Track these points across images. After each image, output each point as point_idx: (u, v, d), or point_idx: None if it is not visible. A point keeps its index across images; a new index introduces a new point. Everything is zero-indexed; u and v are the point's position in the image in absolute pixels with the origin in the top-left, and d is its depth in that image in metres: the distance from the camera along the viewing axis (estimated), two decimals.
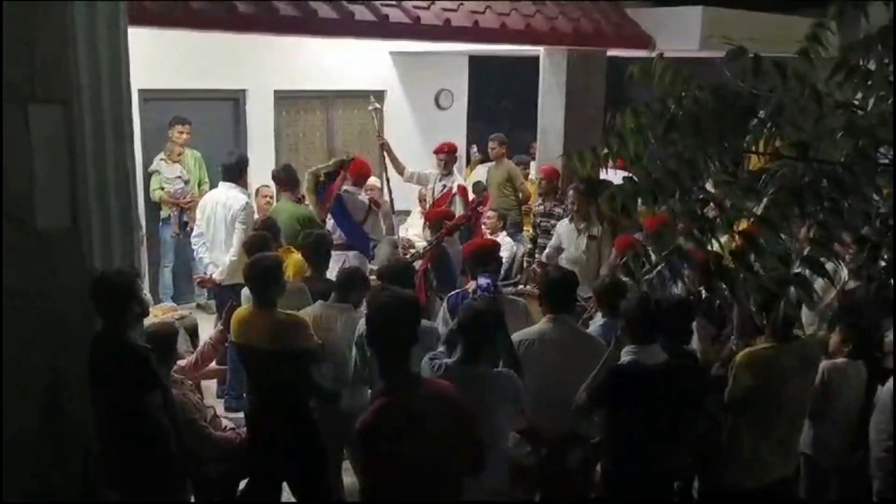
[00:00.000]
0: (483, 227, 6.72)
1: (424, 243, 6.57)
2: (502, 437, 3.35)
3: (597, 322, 4.21)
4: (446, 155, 7.00)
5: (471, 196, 6.90)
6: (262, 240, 4.93)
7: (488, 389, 3.22)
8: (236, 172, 5.93)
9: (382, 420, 2.62)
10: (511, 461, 3.44)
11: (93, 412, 3.40)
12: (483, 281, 4.17)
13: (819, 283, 3.99)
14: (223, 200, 5.76)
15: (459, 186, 6.80)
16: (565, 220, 6.39)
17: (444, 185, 6.96)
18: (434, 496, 2.68)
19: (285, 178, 6.25)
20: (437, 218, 6.06)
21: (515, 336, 3.65)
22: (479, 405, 3.18)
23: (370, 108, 7.03)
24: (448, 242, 5.75)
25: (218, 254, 5.77)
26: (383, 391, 2.71)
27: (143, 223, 6.61)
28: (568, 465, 3.62)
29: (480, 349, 3.26)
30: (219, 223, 5.77)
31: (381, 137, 6.90)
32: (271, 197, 6.80)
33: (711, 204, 2.28)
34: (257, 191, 6.90)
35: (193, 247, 5.95)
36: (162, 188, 7.15)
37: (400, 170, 7.12)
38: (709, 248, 2.28)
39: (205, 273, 5.92)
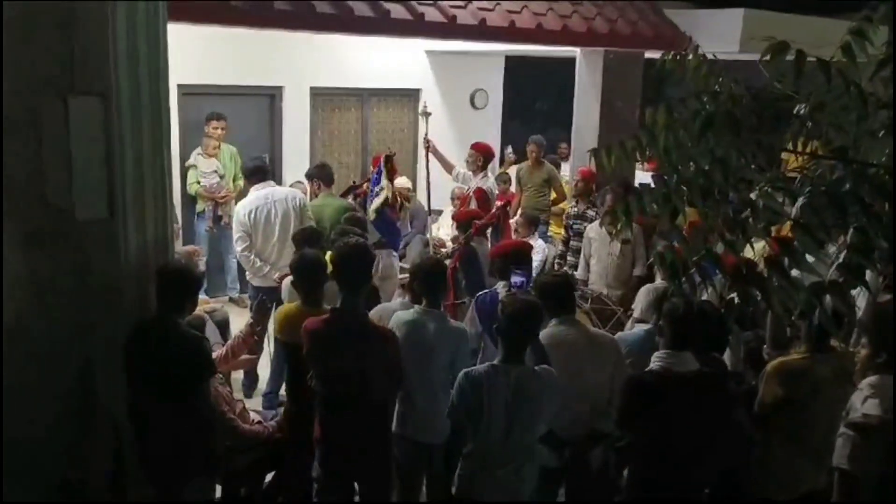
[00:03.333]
0: (514, 232, 6.71)
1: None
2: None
3: (639, 328, 4.15)
4: (474, 152, 7.00)
5: (495, 192, 6.92)
6: (312, 232, 4.95)
7: (537, 387, 3.20)
8: (269, 173, 5.96)
9: (324, 328, 3.47)
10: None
11: (130, 397, 3.44)
12: (517, 278, 4.15)
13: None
14: (281, 197, 5.69)
15: (477, 189, 6.78)
16: (595, 224, 6.34)
17: (469, 188, 6.98)
18: (361, 402, 3.46)
19: (324, 175, 6.25)
20: (466, 218, 6.03)
21: None
22: (528, 404, 3.18)
23: (420, 112, 7.08)
24: (477, 242, 5.73)
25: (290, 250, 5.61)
26: (331, 310, 3.54)
27: (179, 216, 6.74)
28: (592, 465, 3.59)
29: (523, 346, 3.25)
30: (285, 219, 5.63)
31: (428, 140, 6.94)
32: (304, 193, 6.86)
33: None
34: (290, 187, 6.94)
35: (245, 260, 5.62)
36: (198, 182, 7.25)
37: (449, 168, 7.17)
38: (743, 253, 2.22)
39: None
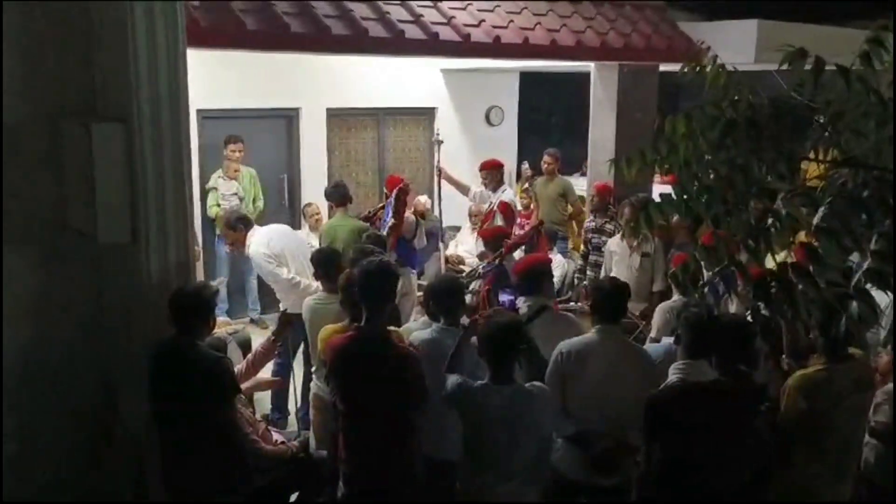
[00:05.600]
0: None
1: (475, 259, 6.59)
2: (543, 450, 3.36)
3: (665, 341, 4.12)
4: (486, 172, 7.09)
5: (519, 208, 6.96)
6: (330, 253, 4.98)
7: (533, 405, 3.21)
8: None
9: (348, 346, 3.47)
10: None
11: (155, 417, 3.47)
12: (504, 297, 4.12)
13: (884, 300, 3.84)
14: (284, 230, 5.82)
15: (501, 203, 6.80)
16: (616, 238, 6.32)
17: (490, 203, 7.00)
18: (385, 421, 3.45)
19: (339, 195, 6.30)
20: (493, 235, 5.88)
21: (563, 345, 3.63)
22: (526, 422, 3.18)
23: (433, 140, 7.20)
24: (507, 260, 5.68)
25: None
26: (355, 327, 3.59)
27: (200, 238, 6.80)
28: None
29: (508, 364, 3.25)
30: (300, 246, 5.74)
31: (440, 168, 7.09)
32: (319, 214, 6.92)
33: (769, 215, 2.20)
34: (304, 210, 6.97)
35: (287, 282, 5.41)
36: (218, 204, 7.31)
37: (465, 191, 7.27)
38: (765, 261, 2.21)
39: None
